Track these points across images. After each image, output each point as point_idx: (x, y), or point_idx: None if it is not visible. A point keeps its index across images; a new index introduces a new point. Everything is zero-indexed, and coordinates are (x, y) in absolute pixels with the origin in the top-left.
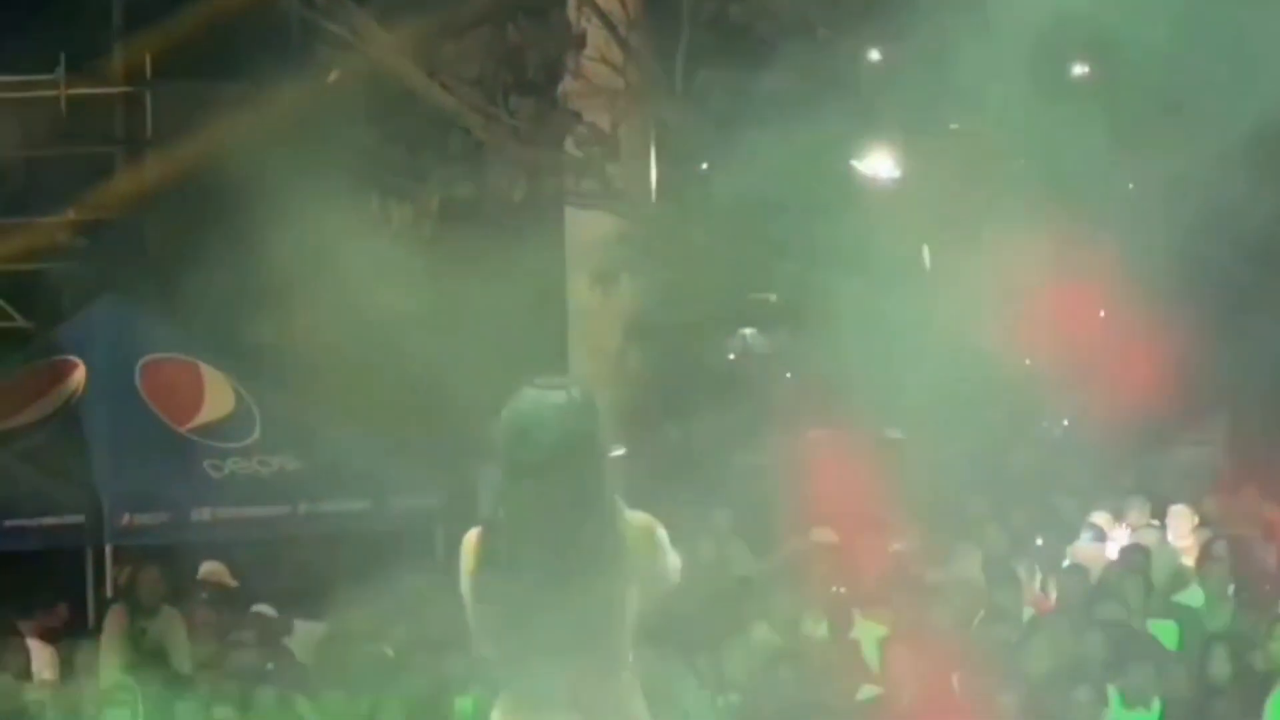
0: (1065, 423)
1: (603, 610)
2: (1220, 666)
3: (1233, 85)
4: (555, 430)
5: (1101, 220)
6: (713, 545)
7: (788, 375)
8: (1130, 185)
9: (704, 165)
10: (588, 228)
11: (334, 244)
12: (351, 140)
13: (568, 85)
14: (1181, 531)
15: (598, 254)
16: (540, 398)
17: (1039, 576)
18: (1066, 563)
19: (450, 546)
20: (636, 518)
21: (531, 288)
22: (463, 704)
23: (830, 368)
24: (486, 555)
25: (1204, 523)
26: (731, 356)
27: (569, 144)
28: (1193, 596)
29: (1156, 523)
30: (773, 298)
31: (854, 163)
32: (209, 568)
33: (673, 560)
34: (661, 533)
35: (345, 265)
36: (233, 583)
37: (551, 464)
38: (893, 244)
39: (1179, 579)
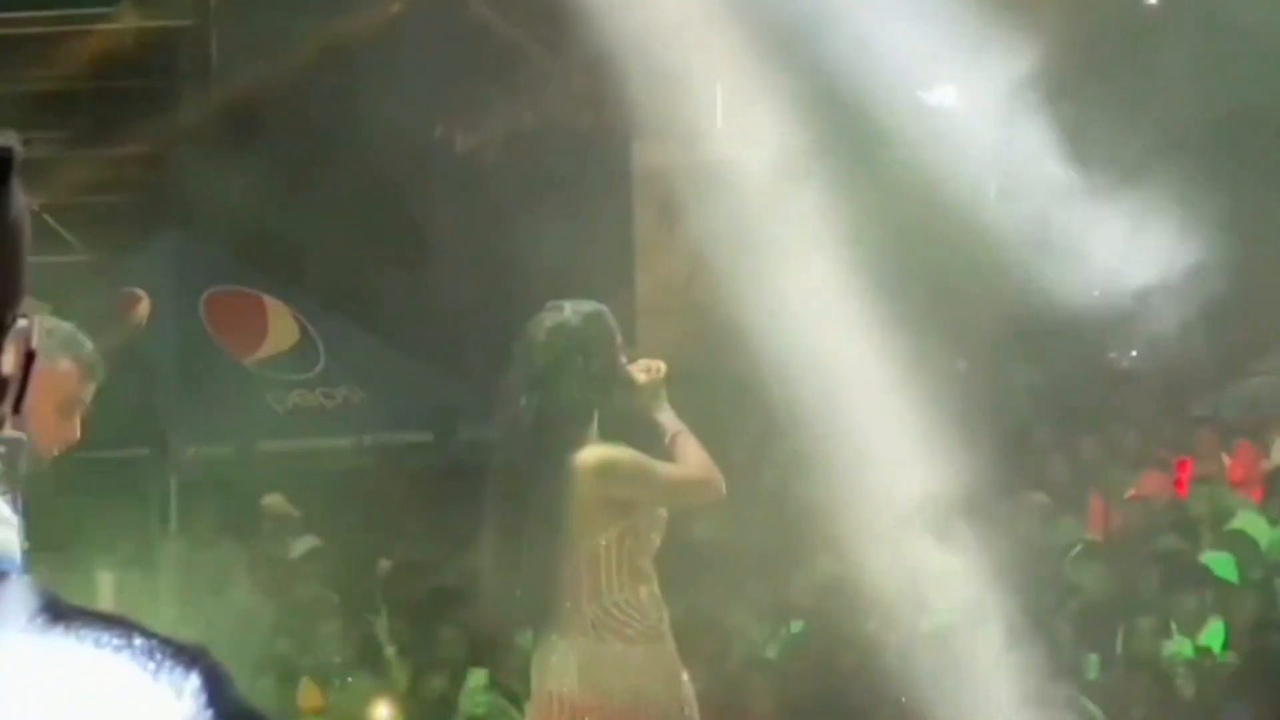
0: (1133, 353)
1: (563, 532)
2: None
3: None
4: (545, 350)
5: (1168, 149)
6: (775, 474)
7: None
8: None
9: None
10: (655, 158)
11: (398, 175)
12: (415, 71)
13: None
14: (1248, 463)
15: (664, 185)
16: (539, 319)
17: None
18: (1129, 493)
19: None
20: (588, 450)
21: (598, 219)
22: (524, 638)
23: (897, 298)
24: (491, 468)
25: (1273, 454)
26: None
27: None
28: (1256, 529)
29: (1224, 454)
30: None
31: (919, 93)
32: (270, 500)
33: (652, 479)
34: (616, 461)
35: (410, 196)
36: (295, 513)
37: (542, 381)
38: (957, 173)
39: (1241, 512)
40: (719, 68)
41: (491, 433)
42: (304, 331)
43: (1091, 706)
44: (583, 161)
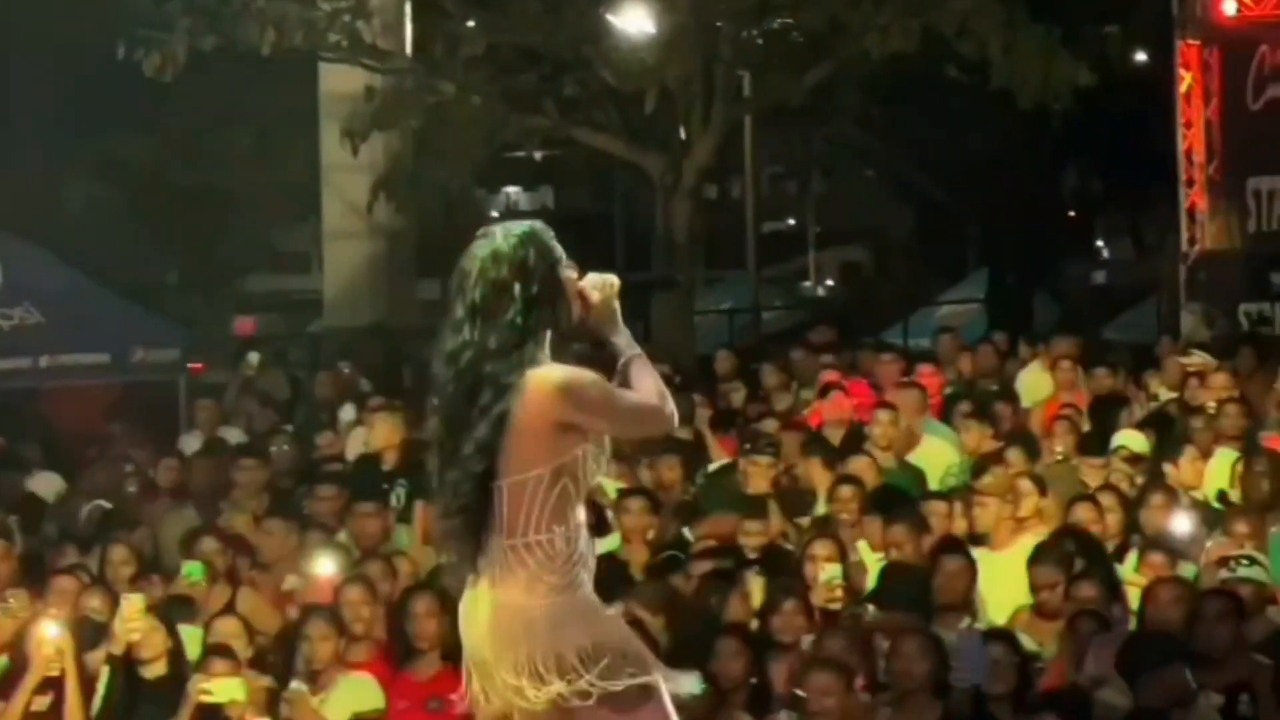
0: (829, 281)
1: (495, 467)
2: (940, 524)
3: None
4: (480, 280)
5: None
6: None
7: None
8: None
9: (468, 21)
10: (343, 82)
11: (81, 95)
12: None
13: None
14: (931, 387)
15: (350, 108)
16: (471, 250)
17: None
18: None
19: (192, 397)
20: (543, 372)
21: (283, 141)
22: (191, 568)
23: (595, 225)
24: (430, 405)
25: (956, 379)
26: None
27: None
28: (937, 455)
29: (907, 379)
30: (537, 156)
31: (609, 17)
32: None
33: (613, 406)
34: (575, 385)
35: (91, 114)
36: None
37: (479, 312)
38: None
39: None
40: None
41: (170, 354)
42: None
43: None
44: (267, 84)
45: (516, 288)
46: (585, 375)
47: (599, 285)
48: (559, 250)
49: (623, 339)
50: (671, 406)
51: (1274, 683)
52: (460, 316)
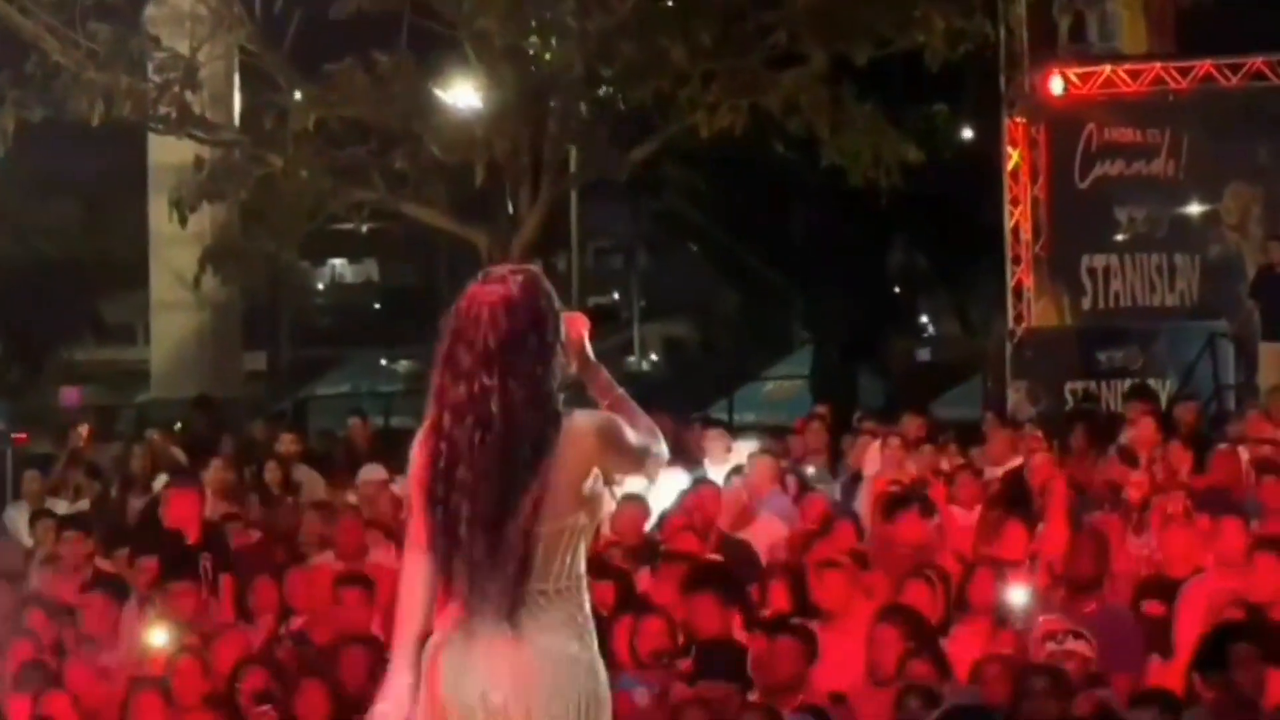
0: (653, 356)
1: (537, 515)
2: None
3: None
4: (487, 331)
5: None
6: (277, 470)
7: (376, 306)
8: None
9: (297, 94)
10: (172, 153)
11: None
12: None
13: (150, 10)
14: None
15: (178, 179)
16: (478, 295)
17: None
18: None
19: (20, 468)
20: (580, 419)
21: (111, 211)
22: None
23: (420, 298)
24: (429, 457)
25: (780, 455)
26: (320, 286)
27: (149, 70)
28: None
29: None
30: (363, 229)
31: (437, 91)
32: None
33: (635, 448)
34: (612, 430)
35: None
36: None
37: (486, 366)
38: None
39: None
40: (237, 65)
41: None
42: None
43: None
44: (96, 155)
45: (533, 336)
46: (613, 419)
47: (571, 322)
48: (554, 292)
49: (602, 379)
50: (665, 445)
51: None
52: (469, 365)
